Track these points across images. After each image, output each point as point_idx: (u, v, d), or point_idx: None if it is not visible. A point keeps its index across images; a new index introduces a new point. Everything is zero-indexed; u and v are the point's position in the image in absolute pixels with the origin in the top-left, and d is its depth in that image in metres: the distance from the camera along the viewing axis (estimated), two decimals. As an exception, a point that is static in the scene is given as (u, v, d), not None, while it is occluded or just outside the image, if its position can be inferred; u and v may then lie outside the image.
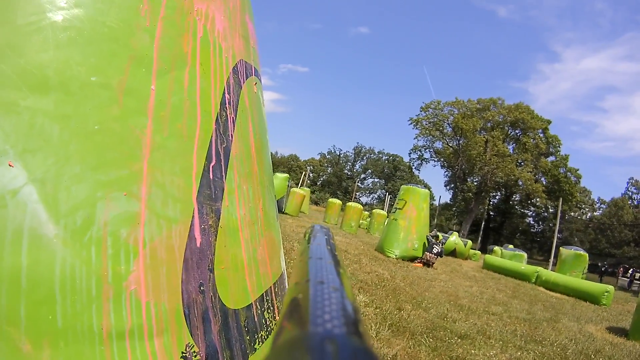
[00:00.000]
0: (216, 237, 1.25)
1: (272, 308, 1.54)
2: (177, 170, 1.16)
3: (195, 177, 1.21)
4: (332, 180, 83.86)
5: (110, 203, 1.00)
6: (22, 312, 0.86)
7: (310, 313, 0.30)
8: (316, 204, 63.31)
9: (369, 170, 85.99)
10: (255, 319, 1.40)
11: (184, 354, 1.07)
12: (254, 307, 1.41)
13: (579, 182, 58.14)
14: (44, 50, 1.01)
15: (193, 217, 1.17)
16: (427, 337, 4.44)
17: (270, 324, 1.49)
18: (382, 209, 33.06)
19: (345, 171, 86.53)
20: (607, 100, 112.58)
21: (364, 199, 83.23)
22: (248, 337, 1.33)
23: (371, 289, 6.40)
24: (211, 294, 1.20)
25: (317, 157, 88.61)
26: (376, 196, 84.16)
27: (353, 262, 9.09)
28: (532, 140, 55.29)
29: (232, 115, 1.44)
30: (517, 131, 57.77)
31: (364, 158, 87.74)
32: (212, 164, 1.29)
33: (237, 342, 1.26)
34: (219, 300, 1.22)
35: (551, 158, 57.47)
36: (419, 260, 12.51)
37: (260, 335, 1.40)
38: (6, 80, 0.96)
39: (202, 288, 1.16)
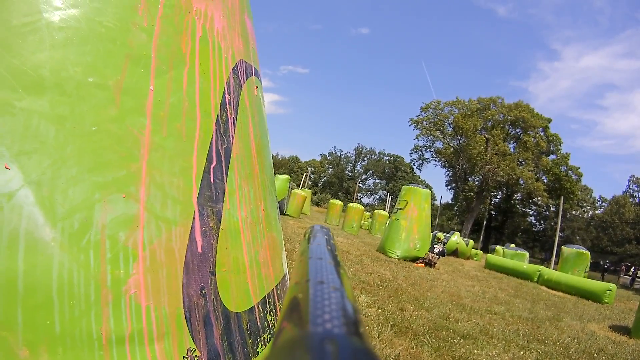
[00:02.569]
0: (217, 239, 1.23)
1: (274, 310, 1.52)
2: (176, 171, 1.14)
3: (195, 178, 1.19)
4: (333, 181, 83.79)
5: (108, 205, 0.98)
6: (19, 317, 0.84)
7: (310, 313, 0.29)
8: (317, 205, 63.22)
9: (370, 171, 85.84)
10: (258, 322, 1.38)
11: (186, 359, 1.05)
12: (257, 309, 1.39)
13: (580, 180, 57.97)
14: (39, 50, 0.99)
15: (194, 219, 1.15)
16: (429, 337, 4.42)
17: (273, 327, 1.47)
18: (384, 210, 33.04)
19: (346, 172, 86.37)
20: (606, 98, 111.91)
21: (365, 200, 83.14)
22: (250, 341, 1.31)
23: (373, 289, 6.38)
24: (213, 297, 1.18)
25: (318, 158, 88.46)
26: (377, 197, 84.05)
27: (355, 262, 9.06)
28: (532, 139, 55.08)
29: (233, 116, 1.42)
30: (517, 130, 57.63)
31: (365, 159, 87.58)
32: (213, 165, 1.27)
33: (239, 346, 1.24)
34: (220, 304, 1.20)
35: (552, 157, 57.32)
36: (420, 260, 12.47)
37: (262, 338, 1.38)
38: (1, 80, 0.94)
39: (203, 291, 1.14)
